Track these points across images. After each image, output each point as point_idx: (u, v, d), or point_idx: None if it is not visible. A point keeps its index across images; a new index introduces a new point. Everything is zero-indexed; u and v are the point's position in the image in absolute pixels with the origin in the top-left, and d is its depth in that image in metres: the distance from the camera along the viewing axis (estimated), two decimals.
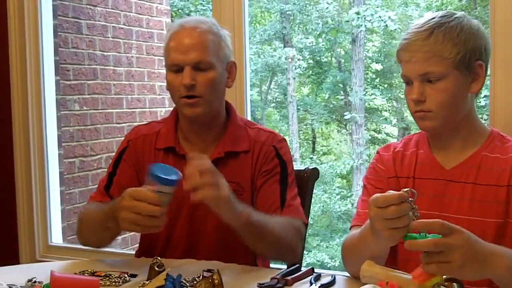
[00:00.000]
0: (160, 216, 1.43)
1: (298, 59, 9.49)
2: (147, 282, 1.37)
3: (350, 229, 1.55)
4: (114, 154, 1.88)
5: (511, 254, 1.24)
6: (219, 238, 1.72)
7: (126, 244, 4.11)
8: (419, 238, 1.16)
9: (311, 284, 1.38)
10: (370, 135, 9.55)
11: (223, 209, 1.46)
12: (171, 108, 1.89)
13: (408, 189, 1.19)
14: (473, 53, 1.42)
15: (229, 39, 1.78)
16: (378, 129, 9.92)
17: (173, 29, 1.75)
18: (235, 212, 1.48)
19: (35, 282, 1.44)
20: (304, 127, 10.00)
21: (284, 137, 1.83)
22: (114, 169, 1.82)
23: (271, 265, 1.85)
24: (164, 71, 2.01)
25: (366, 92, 9.12)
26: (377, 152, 1.62)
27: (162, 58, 1.91)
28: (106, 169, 1.87)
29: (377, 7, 8.55)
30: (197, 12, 9.20)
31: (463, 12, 1.49)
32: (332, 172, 9.14)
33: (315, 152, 10.18)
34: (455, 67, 1.41)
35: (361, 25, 8.45)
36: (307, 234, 1.93)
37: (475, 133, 1.50)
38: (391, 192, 1.21)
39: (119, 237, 4.31)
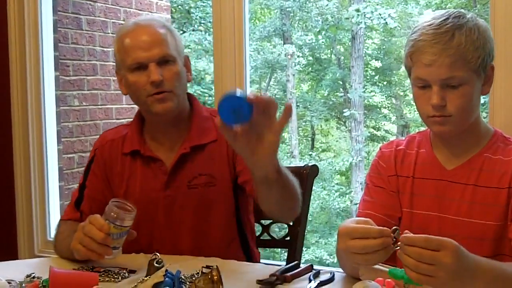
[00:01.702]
0: (108, 245, 1.44)
1: (298, 56, 9.48)
2: (146, 278, 1.37)
3: None
4: None
5: (490, 267, 1.21)
6: (197, 235, 1.73)
7: None
8: (399, 274, 1.15)
9: (310, 280, 1.39)
10: (369, 132, 9.55)
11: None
12: None
13: (395, 227, 1.17)
14: (488, 56, 1.40)
15: (179, 35, 1.78)
16: (377, 126, 9.92)
17: (126, 28, 1.73)
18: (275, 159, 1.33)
19: (34, 277, 1.44)
20: (303, 123, 10.00)
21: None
22: (84, 181, 1.81)
23: (271, 261, 1.85)
24: None
25: (366, 89, 9.12)
26: (380, 149, 1.60)
27: None
28: None
29: (377, 4, 8.54)
30: (197, 8, 9.19)
31: (471, 12, 1.45)
32: (331, 169, 9.14)
33: (314, 149, 10.18)
34: (475, 71, 1.38)
35: (361, 23, 8.44)
36: (305, 231, 1.94)
37: (479, 134, 1.48)
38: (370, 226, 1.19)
39: None
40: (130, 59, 1.68)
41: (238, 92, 1.21)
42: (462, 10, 1.43)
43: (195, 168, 1.71)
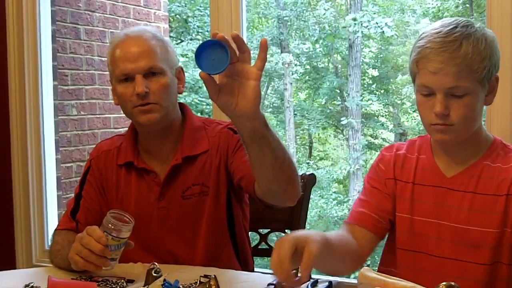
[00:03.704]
0: (105, 257, 1.45)
1: (295, 65, 9.50)
2: (144, 287, 1.38)
3: (342, 224, 1.57)
4: None
5: None
6: (192, 245, 1.73)
7: None
8: None
9: None
10: (366, 140, 9.56)
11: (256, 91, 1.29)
12: None
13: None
14: (494, 67, 1.40)
15: (173, 46, 1.76)
16: (374, 135, 9.93)
17: (117, 39, 1.72)
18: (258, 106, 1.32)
19: (32, 287, 1.44)
20: (301, 132, 10.01)
21: None
22: (80, 191, 1.81)
23: (269, 271, 1.85)
24: None
25: (363, 97, 9.14)
26: (381, 152, 1.61)
27: None
28: None
29: (374, 13, 8.57)
30: (195, 18, 9.22)
31: (479, 22, 1.45)
32: (328, 177, 9.14)
33: (311, 157, 10.18)
34: (480, 81, 1.38)
35: (358, 31, 8.47)
36: None
37: (480, 142, 1.48)
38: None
39: None
40: (118, 70, 1.68)
41: (212, 40, 1.21)
42: (471, 20, 1.42)
43: (188, 179, 1.72)
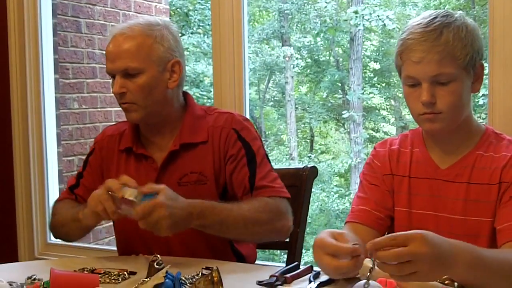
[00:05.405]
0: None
1: (296, 58, 9.49)
2: (146, 279, 1.38)
3: (344, 224, 1.57)
4: None
5: (469, 250, 1.20)
6: (187, 233, 1.73)
7: None
8: None
9: (310, 281, 1.39)
10: (368, 133, 9.55)
11: (177, 229, 1.54)
12: None
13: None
14: (477, 53, 1.42)
15: (170, 38, 1.72)
16: (376, 128, 9.92)
17: (109, 35, 1.74)
18: (186, 223, 1.55)
19: (35, 279, 1.44)
20: (302, 125, 10.00)
21: (247, 117, 1.83)
22: (82, 171, 1.86)
23: (271, 263, 1.85)
24: None
25: (364, 90, 9.12)
26: (374, 148, 1.62)
27: None
28: None
29: (375, 6, 8.55)
30: (196, 11, 9.20)
31: (460, 12, 1.48)
32: (330, 171, 9.15)
33: (313, 150, 10.18)
34: (464, 68, 1.40)
35: (359, 24, 8.45)
36: (305, 233, 1.94)
37: (471, 132, 1.49)
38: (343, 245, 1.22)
39: None
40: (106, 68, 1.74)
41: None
42: (450, 11, 1.46)
43: (186, 166, 1.73)
